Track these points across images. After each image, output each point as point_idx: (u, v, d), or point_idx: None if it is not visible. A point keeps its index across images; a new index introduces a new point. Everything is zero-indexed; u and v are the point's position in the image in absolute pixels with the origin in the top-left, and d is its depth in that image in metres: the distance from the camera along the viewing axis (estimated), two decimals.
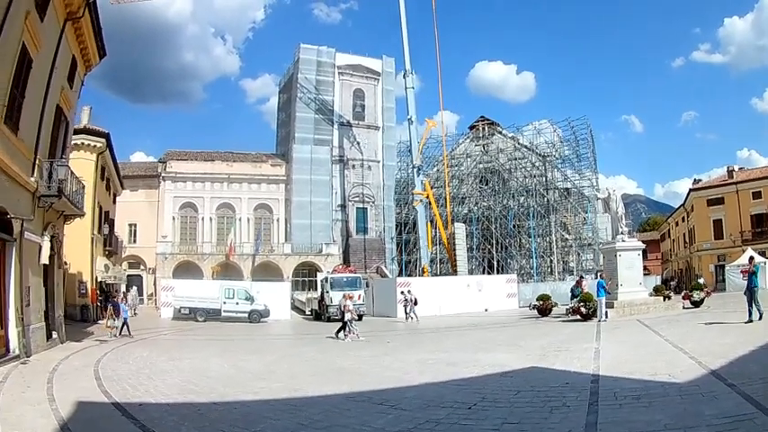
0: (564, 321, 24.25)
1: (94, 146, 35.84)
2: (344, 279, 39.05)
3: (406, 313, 33.06)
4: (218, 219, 61.84)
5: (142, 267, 57.94)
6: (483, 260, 61.38)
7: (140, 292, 50.24)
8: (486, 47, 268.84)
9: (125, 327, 24.40)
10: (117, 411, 9.18)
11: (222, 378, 12.81)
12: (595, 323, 21.59)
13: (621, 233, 25.76)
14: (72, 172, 21.30)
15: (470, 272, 56.23)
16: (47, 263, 18.90)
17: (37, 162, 17.87)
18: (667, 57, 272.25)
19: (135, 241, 58.50)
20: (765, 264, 40.72)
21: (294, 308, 47.79)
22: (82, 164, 33.49)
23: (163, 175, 60.60)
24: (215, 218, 61.67)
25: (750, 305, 17.33)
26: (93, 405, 9.76)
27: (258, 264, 58.17)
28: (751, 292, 17.47)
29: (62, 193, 19.08)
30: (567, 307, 25.66)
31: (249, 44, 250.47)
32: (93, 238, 35.27)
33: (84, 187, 23.98)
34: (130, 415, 8.81)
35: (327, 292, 37.41)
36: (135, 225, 58.74)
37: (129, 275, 54.74)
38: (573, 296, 26.05)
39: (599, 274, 26.53)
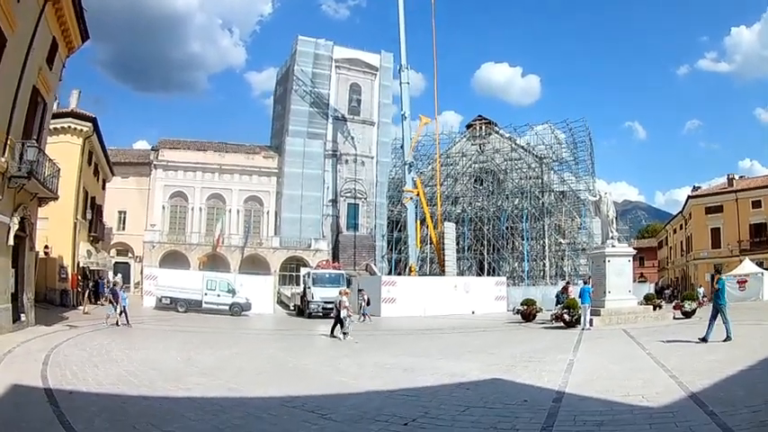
0: (546, 328, 23.06)
1: (81, 130, 35.21)
2: (327, 275, 37.93)
3: (363, 314, 31.75)
4: (208, 209, 60.49)
5: (130, 255, 56.86)
6: (474, 262, 60.23)
7: (127, 280, 48.89)
8: (492, 48, 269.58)
9: (124, 315, 23.86)
10: (45, 397, 9.11)
11: (167, 371, 12.32)
12: (578, 331, 20.40)
13: (611, 238, 24.46)
14: (45, 154, 21.16)
15: (461, 273, 55.22)
16: (12, 244, 18.54)
17: (9, 142, 17.63)
18: (672, 64, 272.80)
19: (124, 229, 57.46)
20: (763, 274, 39.73)
21: (280, 302, 46.98)
22: (67, 147, 33.75)
23: (154, 163, 59.36)
24: (205, 208, 60.35)
25: (710, 324, 15.69)
26: (27, 389, 9.80)
27: (246, 256, 56.97)
28: (717, 310, 15.86)
29: (32, 174, 18.83)
30: (552, 313, 24.52)
31: (256, 37, 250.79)
32: (75, 223, 34.74)
33: (59, 170, 23.52)
34: (56, 402, 8.74)
35: (309, 287, 36.46)
36: (125, 212, 57.65)
37: (116, 263, 54.41)
38: (558, 302, 24.92)
39: (586, 279, 25.28)
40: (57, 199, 23.74)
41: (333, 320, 22.32)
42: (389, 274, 55.71)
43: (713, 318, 15.70)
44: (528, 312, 27.24)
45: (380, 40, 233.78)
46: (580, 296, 21.99)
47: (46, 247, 32.02)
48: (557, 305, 24.67)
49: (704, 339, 15.17)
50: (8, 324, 17.88)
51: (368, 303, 32.52)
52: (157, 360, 14.05)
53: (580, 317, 21.46)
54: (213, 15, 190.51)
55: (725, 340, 15.03)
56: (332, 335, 21.14)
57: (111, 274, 47.74)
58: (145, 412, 8.40)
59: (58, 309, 29.84)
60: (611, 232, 24.63)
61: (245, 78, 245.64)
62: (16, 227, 18.62)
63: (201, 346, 17.62)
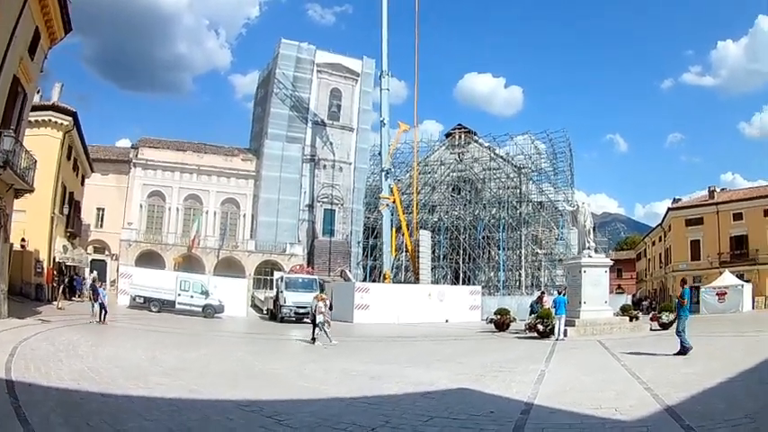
0: (520, 338, 22.65)
1: (61, 123, 34.82)
2: (300, 280, 37.40)
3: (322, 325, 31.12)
4: (185, 210, 59.80)
5: (107, 253, 55.77)
6: (450, 270, 59.86)
7: (104, 278, 47.84)
8: (475, 59, 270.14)
9: (102, 311, 23.45)
10: (5, 389, 8.88)
11: (130, 369, 12.06)
12: (552, 342, 19.98)
13: (588, 248, 24.06)
14: (23, 145, 20.90)
15: (436, 282, 54.85)
16: None
17: None
18: (657, 77, 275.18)
19: (102, 226, 56.64)
20: (743, 287, 39.84)
21: (254, 306, 46.34)
22: (47, 140, 33.43)
23: (134, 161, 58.60)
24: (182, 209, 59.64)
25: (683, 332, 15.26)
26: None
27: (221, 259, 56.07)
28: (679, 322, 15.53)
29: (7, 164, 18.52)
30: (525, 323, 24.11)
31: (242, 40, 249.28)
32: (53, 218, 34.20)
33: (35, 162, 23.30)
34: (15, 395, 8.56)
35: (282, 291, 35.81)
36: (103, 210, 56.91)
37: (93, 260, 53.25)
38: (532, 312, 24.48)
39: (561, 290, 24.91)
40: (32, 191, 23.40)
41: (311, 325, 21.61)
42: (364, 280, 55.05)
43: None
44: (501, 322, 26.80)
45: (365, 47, 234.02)
46: (555, 306, 21.62)
47: (23, 240, 31.57)
48: (531, 315, 24.23)
49: (684, 350, 14.78)
50: None
51: (330, 308, 31.95)
52: (123, 358, 13.76)
53: (554, 327, 21.06)
54: (201, 16, 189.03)
55: (677, 353, 14.63)
56: (312, 342, 20.50)
57: (87, 270, 47.15)
58: (101, 409, 8.20)
59: (33, 303, 29.50)
60: (588, 242, 24.28)
61: (229, 81, 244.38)
62: None
63: (169, 347, 17.16)
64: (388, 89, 51.36)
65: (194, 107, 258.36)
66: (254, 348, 19.29)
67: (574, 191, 57.66)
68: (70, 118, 35.21)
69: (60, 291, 31.71)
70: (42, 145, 32.19)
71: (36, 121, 33.05)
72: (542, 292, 30.36)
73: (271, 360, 15.39)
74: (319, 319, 20.42)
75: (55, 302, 31.11)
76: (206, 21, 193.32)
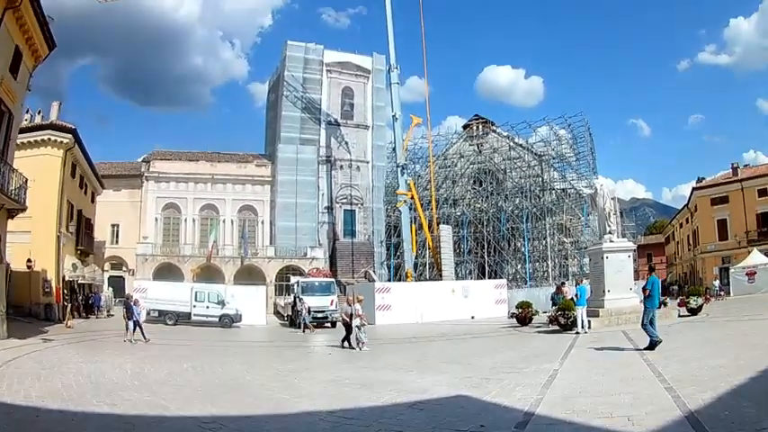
0: (541, 332, 21.36)
1: (61, 141, 34.79)
2: (316, 284, 36.46)
3: (305, 324, 30.16)
4: (202, 220, 59.18)
5: (124, 269, 55.75)
6: (475, 265, 58.54)
7: (121, 294, 47.43)
8: (494, 51, 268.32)
9: (138, 330, 22.59)
10: None
11: (106, 385, 11.51)
12: (574, 335, 18.66)
13: (609, 233, 22.56)
14: (9, 165, 20.91)
15: (463, 277, 53.69)
16: None
17: None
18: (673, 59, 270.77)
19: (117, 242, 56.62)
20: None
21: (276, 313, 45.59)
22: (48, 160, 33.71)
23: (146, 174, 58.25)
24: (198, 219, 59.06)
25: (651, 325, 14.03)
26: None
27: (241, 267, 55.35)
28: (644, 314, 14.30)
29: None
30: (547, 315, 22.79)
31: (257, 49, 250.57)
32: (59, 236, 33.99)
33: (26, 181, 23.12)
34: None
35: (299, 297, 34.76)
36: (117, 225, 56.88)
37: (111, 277, 54.08)
38: (553, 304, 23.10)
39: (580, 279, 23.57)
40: (24, 210, 23.11)
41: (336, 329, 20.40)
42: (389, 280, 54.18)
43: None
44: (523, 316, 25.46)
45: (382, 47, 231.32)
46: (577, 297, 20.30)
47: (29, 260, 31.51)
48: (552, 307, 22.88)
49: (653, 344, 13.50)
50: None
51: (309, 312, 31.09)
52: (105, 373, 13.14)
53: (575, 319, 19.74)
54: (213, 28, 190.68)
55: (647, 348, 13.38)
56: (343, 345, 19.39)
57: (105, 287, 47.06)
58: (50, 427, 8.04)
59: (42, 323, 29.11)
60: (609, 226, 22.78)
61: (247, 90, 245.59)
62: None
63: (165, 360, 16.41)
64: (398, 83, 50.56)
65: (214, 119, 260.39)
66: (252, 358, 18.26)
67: (597, 176, 55.91)
68: (70, 135, 35.27)
69: (69, 309, 31.00)
70: (43, 164, 32.77)
71: (35, 141, 33.45)
72: (562, 283, 29.04)
73: (261, 369, 14.42)
74: (356, 322, 19.06)
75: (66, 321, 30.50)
76: (219, 32, 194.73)
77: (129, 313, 22.69)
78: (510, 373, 11.48)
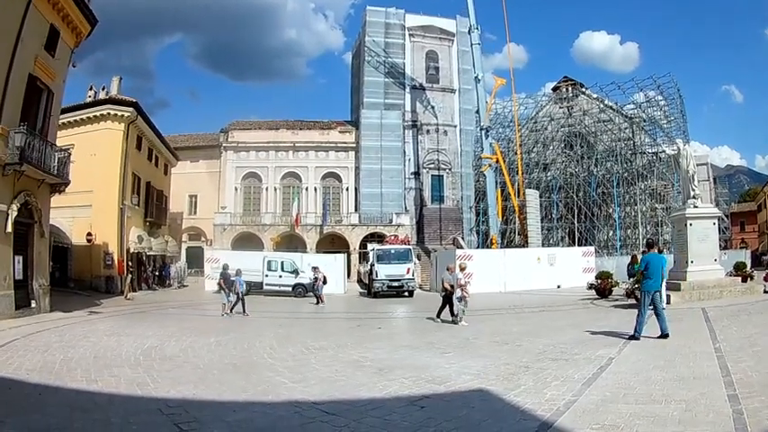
0: (617, 306, 19.88)
1: (122, 115, 35.56)
2: (392, 251, 35.74)
3: (317, 296, 29.07)
4: (284, 188, 59.66)
5: (203, 239, 56.94)
6: (566, 232, 56.26)
7: (200, 265, 48.53)
8: (590, 17, 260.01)
9: (240, 304, 21.91)
10: None
11: (107, 358, 11.35)
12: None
13: (693, 197, 20.49)
14: (47, 141, 21.11)
15: (555, 244, 51.80)
16: (10, 231, 18.49)
17: (0, 131, 17.98)
18: (760, 25, 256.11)
19: (195, 213, 57.96)
20: None
21: (359, 281, 45.28)
22: (108, 134, 34.76)
23: (224, 145, 59.17)
24: (280, 187, 59.58)
25: (641, 314, 12.41)
26: None
27: (324, 235, 55.54)
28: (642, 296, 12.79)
29: (24, 159, 18.74)
30: (624, 288, 21.14)
31: (351, 20, 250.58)
32: (121, 209, 34.62)
33: (69, 155, 23.27)
34: None
35: (374, 265, 34.40)
36: (196, 196, 58.32)
37: (189, 248, 55.50)
38: (630, 276, 21.33)
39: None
40: (67, 184, 23.30)
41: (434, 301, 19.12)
42: (478, 247, 52.79)
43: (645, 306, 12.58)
44: (603, 287, 23.82)
45: (485, 13, 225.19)
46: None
47: (89, 234, 32.59)
48: (630, 279, 21.14)
49: (634, 336, 12.08)
50: (9, 310, 17.97)
51: (324, 282, 30.14)
52: (119, 347, 12.80)
53: None
54: (306, 1, 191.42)
55: (659, 337, 11.89)
56: (439, 318, 18.14)
57: (183, 258, 47.81)
58: (14, 401, 7.92)
59: (102, 296, 29.51)
60: (693, 190, 20.66)
61: (343, 60, 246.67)
62: (15, 213, 18.64)
63: (195, 333, 15.78)
64: (479, 43, 49.07)
65: (310, 91, 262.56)
66: (293, 332, 16.98)
67: (689, 139, 52.25)
68: (131, 109, 36.01)
69: (128, 281, 31.20)
70: (104, 138, 34.12)
71: (96, 116, 34.55)
72: (643, 251, 26.95)
73: (286, 346, 13.39)
74: (457, 294, 17.51)
75: (133, 294, 31.28)
76: (312, 4, 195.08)
77: (229, 285, 21.75)
78: (556, 361, 10.25)
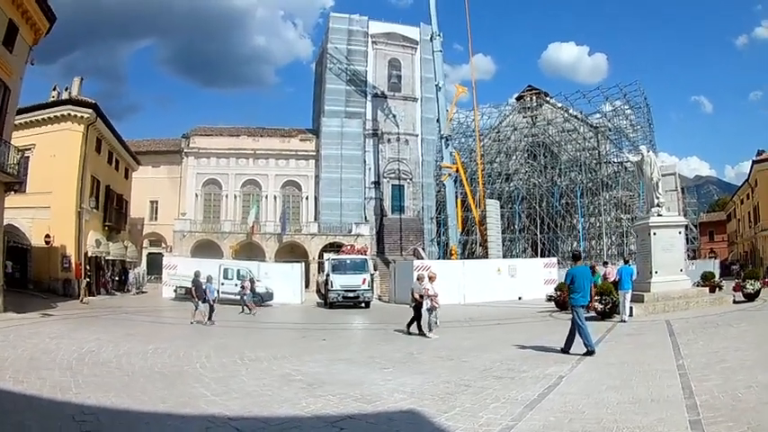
0: None
1: (81, 116, 34.54)
2: (347, 261, 34.52)
3: (244, 304, 27.70)
4: (244, 196, 58.44)
5: (163, 245, 55.40)
6: (529, 243, 55.59)
7: (158, 271, 47.03)
8: (559, 28, 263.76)
9: (211, 311, 21.04)
10: None
11: (41, 361, 11.11)
12: (613, 324, 15.99)
13: (657, 205, 19.61)
14: (2, 138, 20.64)
15: (516, 255, 51.05)
16: None
17: None
18: (730, 35, 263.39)
19: (156, 218, 56.54)
20: None
21: (318, 291, 43.82)
22: (67, 135, 33.77)
23: (185, 150, 57.73)
24: (240, 195, 58.37)
25: (581, 329, 11.43)
26: None
27: (283, 244, 53.92)
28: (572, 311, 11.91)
29: None
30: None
31: (320, 29, 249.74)
32: (79, 212, 33.75)
33: (25, 156, 23.80)
34: None
35: (329, 275, 33.21)
36: (156, 202, 56.89)
37: (150, 253, 54.49)
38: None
39: (626, 258, 20.65)
40: (20, 183, 22.85)
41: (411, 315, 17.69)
42: (439, 258, 51.74)
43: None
44: (562, 299, 22.75)
45: (452, 23, 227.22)
46: (621, 279, 17.52)
47: (47, 236, 31.65)
48: None
49: (589, 353, 10.95)
50: None
51: (253, 291, 29.03)
52: (56, 350, 12.45)
53: (615, 305, 17.06)
54: (275, 8, 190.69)
55: (585, 354, 10.88)
56: (408, 331, 16.78)
57: (144, 264, 48.31)
58: None
59: (59, 298, 28.79)
60: (657, 198, 19.78)
61: (311, 69, 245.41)
62: None
63: (137, 339, 15.07)
64: (440, 51, 48.35)
65: (279, 99, 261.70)
66: (233, 342, 15.74)
67: (656, 148, 51.93)
68: (90, 110, 34.86)
69: (84, 286, 30.72)
70: (63, 139, 33.20)
71: (55, 116, 33.60)
72: (605, 263, 26.10)
73: (227, 356, 12.50)
74: (426, 304, 16.46)
75: (90, 298, 30.79)
76: (281, 12, 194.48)
77: (199, 293, 20.81)
78: (501, 379, 9.05)
